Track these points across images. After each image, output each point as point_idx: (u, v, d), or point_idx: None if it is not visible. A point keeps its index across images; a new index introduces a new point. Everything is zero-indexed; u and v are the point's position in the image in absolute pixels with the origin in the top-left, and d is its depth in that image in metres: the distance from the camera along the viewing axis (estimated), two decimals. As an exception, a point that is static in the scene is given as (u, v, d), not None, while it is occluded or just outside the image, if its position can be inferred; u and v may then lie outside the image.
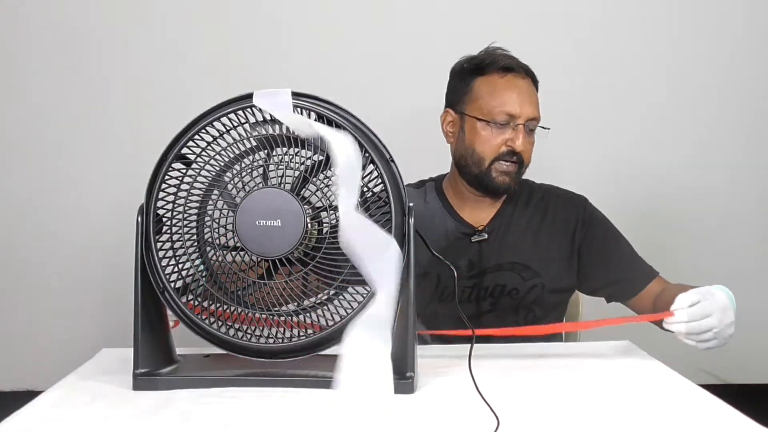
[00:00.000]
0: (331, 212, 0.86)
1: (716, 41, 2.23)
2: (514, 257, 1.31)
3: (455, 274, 0.99)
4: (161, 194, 0.89)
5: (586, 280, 1.34)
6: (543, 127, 1.32)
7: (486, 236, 1.31)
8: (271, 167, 0.88)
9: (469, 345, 0.88)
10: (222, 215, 0.88)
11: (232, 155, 0.88)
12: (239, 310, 0.89)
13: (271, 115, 0.86)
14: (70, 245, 2.21)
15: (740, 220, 2.27)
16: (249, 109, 0.87)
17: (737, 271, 2.28)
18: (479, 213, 1.35)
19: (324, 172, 0.87)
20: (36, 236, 2.21)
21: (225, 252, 0.88)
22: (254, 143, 0.88)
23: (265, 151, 0.88)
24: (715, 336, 0.98)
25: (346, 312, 0.88)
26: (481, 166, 1.28)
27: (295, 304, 0.89)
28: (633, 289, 1.29)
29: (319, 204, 0.87)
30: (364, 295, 0.87)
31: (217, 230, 0.88)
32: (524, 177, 1.38)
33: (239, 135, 0.88)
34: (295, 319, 0.89)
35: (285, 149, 0.87)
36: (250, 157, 0.88)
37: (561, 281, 1.33)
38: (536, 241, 1.32)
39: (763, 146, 2.27)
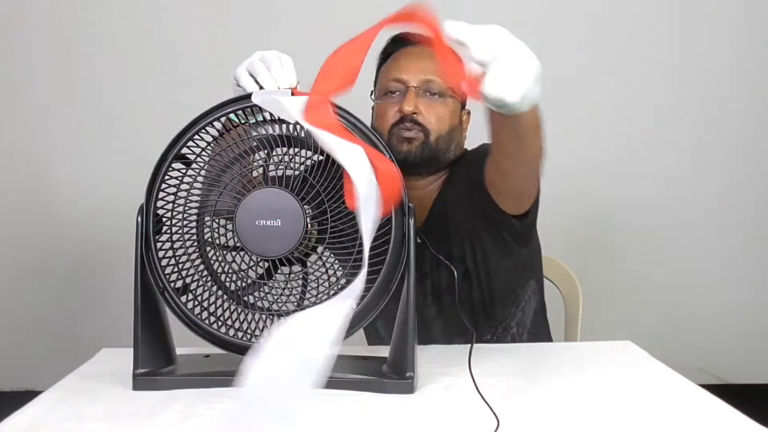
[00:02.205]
0: (332, 205, 0.86)
1: (717, 42, 2.24)
2: (442, 251, 1.16)
3: (456, 274, 0.99)
4: (161, 194, 0.89)
5: (490, 217, 1.18)
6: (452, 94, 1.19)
7: (419, 241, 1.13)
8: (271, 167, 0.88)
9: (468, 345, 0.88)
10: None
11: (232, 155, 0.88)
12: (239, 309, 0.89)
13: (271, 115, 0.86)
14: (70, 245, 2.21)
15: (739, 220, 2.28)
16: (249, 109, 0.87)
17: (736, 271, 2.28)
18: (421, 211, 1.18)
19: (324, 173, 0.87)
20: (36, 236, 2.22)
21: (225, 252, 0.88)
22: (254, 143, 0.88)
23: (265, 151, 0.88)
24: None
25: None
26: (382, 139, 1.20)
27: (295, 304, 0.89)
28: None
29: (319, 204, 0.87)
30: (365, 295, 0.87)
31: (217, 230, 0.88)
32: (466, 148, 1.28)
33: (239, 135, 0.88)
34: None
35: (285, 149, 0.88)
36: (250, 157, 0.88)
37: (488, 254, 1.20)
38: (455, 219, 1.21)
39: (762, 147, 2.27)
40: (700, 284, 2.26)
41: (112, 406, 0.84)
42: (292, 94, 0.86)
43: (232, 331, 0.89)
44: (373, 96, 1.26)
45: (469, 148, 1.30)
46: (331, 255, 0.89)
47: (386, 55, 1.27)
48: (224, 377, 0.89)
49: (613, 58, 2.22)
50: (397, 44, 1.25)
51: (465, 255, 1.21)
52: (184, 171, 0.89)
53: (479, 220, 1.20)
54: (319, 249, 0.89)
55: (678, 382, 0.91)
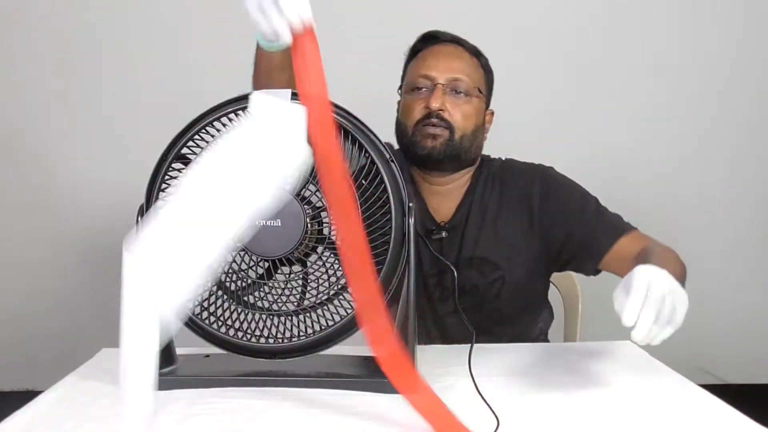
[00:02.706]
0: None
1: (717, 41, 2.23)
2: (472, 252, 1.22)
3: (455, 274, 0.99)
4: (161, 194, 0.89)
5: (550, 258, 1.23)
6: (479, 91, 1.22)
7: (444, 235, 1.23)
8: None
9: (469, 345, 0.88)
10: (222, 215, 0.88)
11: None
12: (239, 309, 0.89)
13: None
14: (70, 245, 2.21)
15: (740, 220, 2.27)
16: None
17: (737, 271, 2.28)
18: (442, 205, 1.26)
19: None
20: (36, 236, 2.22)
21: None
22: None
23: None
24: (664, 299, 0.80)
25: (346, 312, 0.88)
26: (407, 135, 1.21)
27: (295, 304, 0.89)
28: (594, 256, 1.17)
29: (319, 204, 0.88)
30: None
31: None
32: (488, 155, 1.32)
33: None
34: (294, 319, 0.89)
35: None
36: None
37: (525, 268, 1.23)
38: (495, 229, 1.23)
39: (763, 146, 2.27)
40: (700, 284, 2.23)
41: (112, 406, 0.84)
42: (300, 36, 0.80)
43: (232, 331, 0.89)
44: (400, 91, 1.28)
45: (488, 149, 1.31)
46: (331, 255, 0.89)
47: (415, 51, 1.28)
48: (224, 377, 0.89)
49: (613, 57, 2.22)
50: (427, 42, 1.27)
51: (508, 266, 1.22)
52: (184, 171, 0.89)
53: (545, 250, 1.23)
54: (319, 249, 0.89)
55: (678, 382, 0.91)
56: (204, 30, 2.17)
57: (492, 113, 1.30)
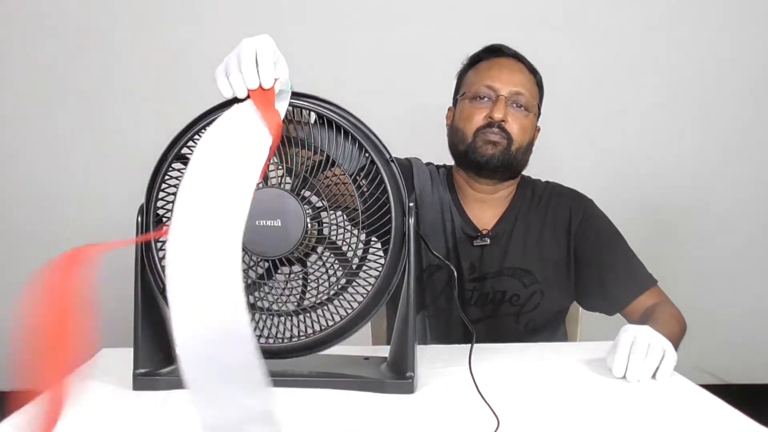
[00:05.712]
0: (331, 212, 0.86)
1: (719, 41, 2.23)
2: (515, 262, 1.28)
3: (455, 275, 1.00)
4: (161, 194, 0.89)
5: (579, 287, 1.30)
6: (535, 107, 1.29)
7: (488, 241, 1.28)
8: (271, 167, 0.88)
9: (469, 345, 0.88)
10: (222, 215, 0.88)
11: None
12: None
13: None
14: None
15: (741, 221, 2.28)
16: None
17: (737, 271, 2.29)
18: (484, 213, 1.31)
19: (324, 172, 0.87)
20: (36, 236, 2.22)
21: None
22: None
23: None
24: (650, 345, 0.91)
25: (346, 312, 0.88)
26: (466, 141, 1.26)
27: (295, 304, 0.89)
28: (615, 306, 1.26)
29: (319, 204, 0.87)
30: (365, 295, 0.87)
31: (217, 230, 0.87)
32: (529, 176, 1.37)
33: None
34: (294, 319, 0.89)
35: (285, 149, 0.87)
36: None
37: (559, 287, 1.29)
38: (538, 244, 1.29)
39: (765, 147, 2.27)
40: (700, 284, 2.26)
41: (112, 406, 0.84)
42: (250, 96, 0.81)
43: (232, 331, 0.89)
44: (458, 96, 1.32)
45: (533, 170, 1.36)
46: (331, 255, 0.89)
47: (474, 61, 1.33)
48: (224, 377, 0.89)
49: (615, 57, 2.22)
50: (490, 53, 1.32)
51: (546, 281, 1.28)
52: (184, 171, 0.89)
53: (574, 275, 1.30)
54: (319, 249, 0.89)
55: (678, 382, 0.91)
56: (204, 29, 2.17)
57: (539, 129, 1.34)
